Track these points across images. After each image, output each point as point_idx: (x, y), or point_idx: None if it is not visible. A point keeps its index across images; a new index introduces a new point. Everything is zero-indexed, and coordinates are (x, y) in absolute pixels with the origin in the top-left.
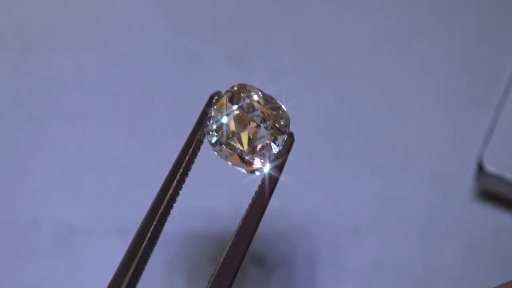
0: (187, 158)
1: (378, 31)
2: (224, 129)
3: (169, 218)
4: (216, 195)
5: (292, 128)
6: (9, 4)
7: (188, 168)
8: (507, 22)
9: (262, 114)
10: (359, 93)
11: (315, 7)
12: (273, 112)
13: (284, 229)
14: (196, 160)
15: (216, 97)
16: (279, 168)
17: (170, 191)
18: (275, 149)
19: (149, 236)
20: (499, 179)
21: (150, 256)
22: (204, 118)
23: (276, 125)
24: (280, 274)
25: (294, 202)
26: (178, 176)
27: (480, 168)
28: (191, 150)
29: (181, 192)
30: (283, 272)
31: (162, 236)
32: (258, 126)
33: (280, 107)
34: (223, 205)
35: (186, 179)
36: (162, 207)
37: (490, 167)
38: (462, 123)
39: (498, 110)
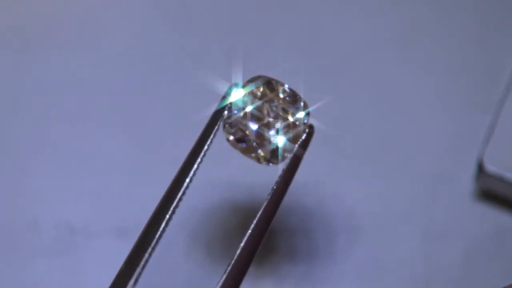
0: (205, 148)
1: (378, 31)
2: (242, 122)
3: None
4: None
5: None
6: (9, 4)
7: (203, 156)
8: (507, 22)
9: (281, 107)
10: (359, 93)
11: (315, 7)
12: (292, 105)
13: (284, 228)
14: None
15: (235, 89)
16: (296, 162)
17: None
18: (290, 143)
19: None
20: (499, 179)
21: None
22: (222, 109)
23: (295, 118)
24: (279, 273)
25: (293, 201)
26: (195, 165)
27: (480, 168)
28: (209, 139)
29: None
30: (282, 271)
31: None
32: (276, 119)
33: (301, 99)
34: (240, 178)
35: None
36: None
37: (490, 167)
38: (462, 123)
39: (498, 110)
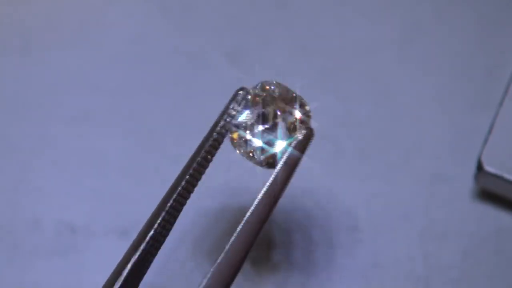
0: (205, 151)
1: (378, 31)
2: (247, 125)
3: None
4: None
5: None
6: (9, 4)
7: (207, 160)
8: (507, 22)
9: (285, 112)
10: (359, 93)
11: (315, 7)
12: (296, 110)
13: (284, 228)
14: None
15: (241, 93)
16: (293, 164)
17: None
18: (288, 147)
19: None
20: (499, 179)
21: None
22: (227, 112)
23: (297, 122)
24: (279, 273)
25: (293, 201)
26: (196, 165)
27: (480, 168)
28: (210, 142)
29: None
30: (282, 271)
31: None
32: (279, 123)
33: (305, 104)
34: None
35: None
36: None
37: (489, 167)
38: (462, 123)
39: (497, 110)
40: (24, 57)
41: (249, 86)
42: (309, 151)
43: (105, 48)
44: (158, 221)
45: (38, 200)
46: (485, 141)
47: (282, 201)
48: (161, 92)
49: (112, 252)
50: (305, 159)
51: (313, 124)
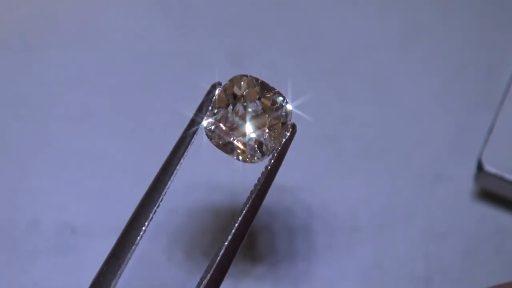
0: (183, 150)
1: (378, 31)
2: (224, 120)
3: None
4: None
5: None
6: (9, 4)
7: (182, 158)
8: (507, 22)
9: (263, 105)
10: (359, 93)
11: (315, 7)
12: (275, 104)
13: (284, 228)
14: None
15: (217, 88)
16: (278, 160)
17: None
18: (274, 140)
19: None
20: (499, 179)
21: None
22: (203, 107)
23: (278, 116)
24: (279, 273)
25: (293, 201)
26: (176, 166)
27: (480, 168)
28: (188, 140)
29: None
30: (282, 271)
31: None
32: (258, 117)
33: (284, 98)
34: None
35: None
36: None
37: (489, 167)
38: (462, 123)
39: (498, 110)
40: (24, 57)
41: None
42: (309, 151)
43: (105, 48)
44: (146, 222)
45: (38, 200)
46: (485, 141)
47: (283, 201)
48: (161, 92)
49: None
50: (305, 158)
51: (309, 119)
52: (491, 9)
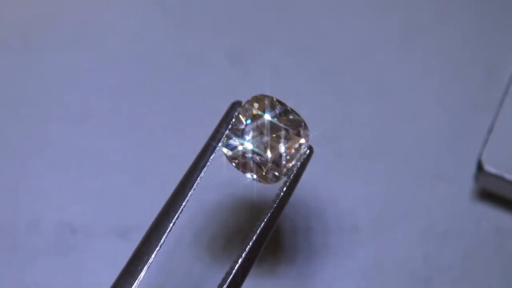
0: (200, 172)
1: (378, 31)
2: (242, 140)
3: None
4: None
5: None
6: (9, 4)
7: (199, 175)
8: (507, 22)
9: (281, 127)
10: (359, 93)
11: (315, 7)
12: (293, 126)
13: (284, 228)
14: None
15: (238, 107)
16: (294, 182)
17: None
18: (291, 162)
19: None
20: (499, 179)
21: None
22: (222, 126)
23: (295, 138)
24: (280, 273)
25: (294, 201)
26: (195, 182)
27: (480, 168)
28: (206, 161)
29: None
30: (282, 271)
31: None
32: (276, 138)
33: (302, 121)
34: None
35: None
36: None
37: (489, 167)
38: (462, 123)
39: (497, 110)
40: (24, 57)
41: (243, 99)
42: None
43: (105, 48)
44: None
45: (38, 200)
46: (485, 141)
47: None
48: (161, 92)
49: (112, 252)
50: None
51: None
52: (491, 9)
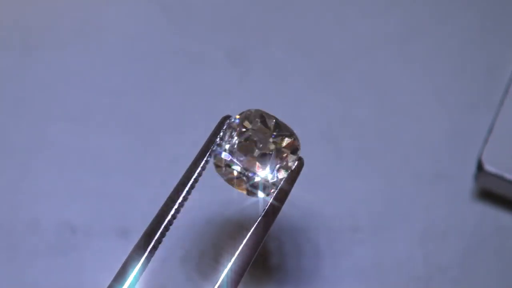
0: (191, 181)
1: (378, 31)
2: (232, 153)
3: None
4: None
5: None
6: (9, 4)
7: (192, 188)
8: (507, 22)
9: (271, 141)
10: (359, 93)
11: (315, 7)
12: (284, 139)
13: (284, 228)
14: None
15: (227, 121)
16: (283, 196)
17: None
18: (280, 174)
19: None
20: (499, 178)
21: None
22: (213, 140)
23: (286, 151)
24: (280, 273)
25: (294, 201)
26: (184, 194)
27: (480, 168)
28: (196, 173)
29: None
30: (283, 271)
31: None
32: (266, 152)
33: (293, 134)
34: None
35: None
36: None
37: (489, 167)
38: (462, 123)
39: (497, 110)
40: (24, 57)
41: (233, 114)
42: (309, 151)
43: (105, 48)
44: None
45: (38, 200)
46: (485, 141)
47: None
48: (161, 92)
49: (112, 252)
50: (305, 158)
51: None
52: (491, 9)
